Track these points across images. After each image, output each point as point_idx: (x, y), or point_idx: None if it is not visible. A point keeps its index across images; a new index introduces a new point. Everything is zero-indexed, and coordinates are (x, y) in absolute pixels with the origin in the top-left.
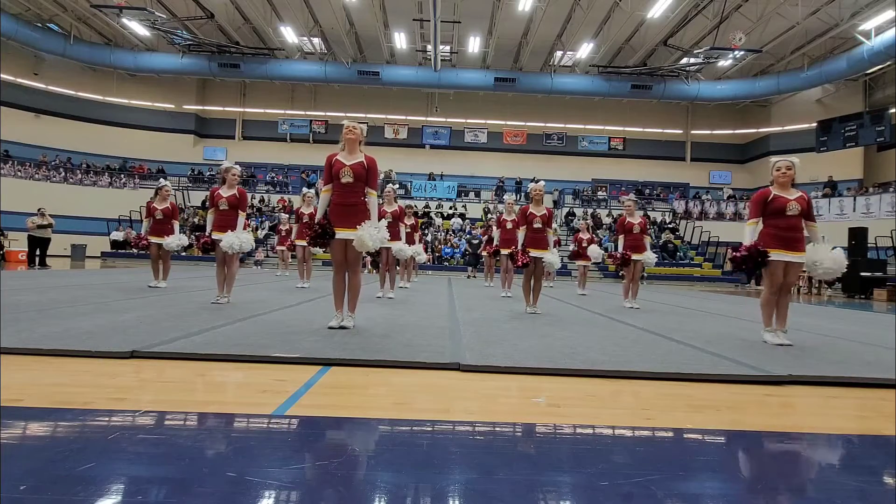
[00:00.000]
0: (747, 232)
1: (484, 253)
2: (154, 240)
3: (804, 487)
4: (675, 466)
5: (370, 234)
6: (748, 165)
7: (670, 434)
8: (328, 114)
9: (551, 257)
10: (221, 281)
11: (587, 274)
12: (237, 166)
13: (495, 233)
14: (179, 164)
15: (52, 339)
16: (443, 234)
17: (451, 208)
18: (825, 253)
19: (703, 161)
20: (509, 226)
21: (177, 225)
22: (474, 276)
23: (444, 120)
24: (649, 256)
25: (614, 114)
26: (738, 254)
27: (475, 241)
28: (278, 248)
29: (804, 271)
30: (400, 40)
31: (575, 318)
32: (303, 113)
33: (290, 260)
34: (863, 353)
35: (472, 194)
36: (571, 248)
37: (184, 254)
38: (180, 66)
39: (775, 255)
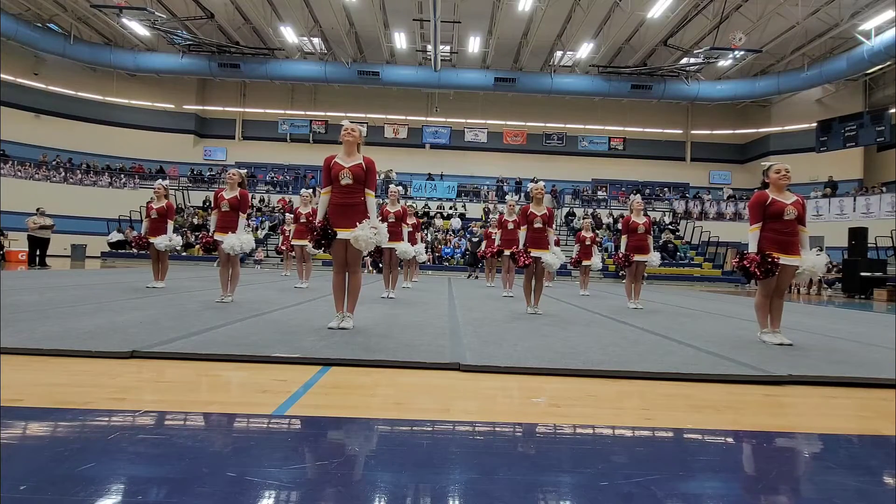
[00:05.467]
0: (751, 238)
1: (483, 254)
2: (152, 239)
3: (804, 487)
4: (675, 466)
5: (367, 234)
6: (748, 165)
7: (670, 434)
8: (328, 114)
9: (551, 258)
10: (225, 281)
11: (589, 274)
12: (236, 168)
13: (496, 233)
14: (179, 163)
15: (52, 339)
16: (442, 233)
17: (451, 208)
18: (815, 258)
19: (703, 161)
20: (510, 226)
21: (170, 224)
22: (476, 277)
23: (444, 120)
24: (653, 258)
25: (614, 114)
26: (745, 262)
27: (475, 240)
28: (282, 248)
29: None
30: (400, 40)
31: (575, 318)
32: (303, 113)
33: (291, 260)
34: (863, 353)
35: (472, 194)
36: (575, 248)
37: (184, 254)
38: (180, 66)
39: None
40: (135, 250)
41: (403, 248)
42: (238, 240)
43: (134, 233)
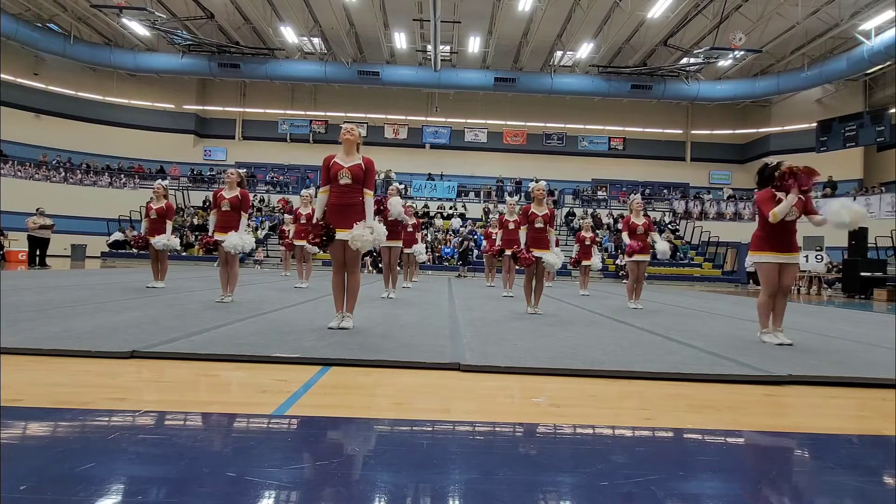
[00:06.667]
0: (783, 205)
1: (486, 253)
2: (151, 240)
3: (804, 487)
4: (675, 466)
5: (363, 234)
6: (748, 165)
7: (670, 434)
8: (328, 114)
9: (551, 258)
10: (225, 281)
11: (589, 274)
12: (235, 168)
13: (496, 233)
14: (179, 163)
15: (52, 339)
16: (443, 233)
17: (451, 208)
18: (839, 206)
19: (703, 161)
20: (511, 226)
21: (169, 225)
22: (473, 277)
23: (444, 120)
24: (663, 246)
25: (614, 114)
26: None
27: (458, 239)
28: (287, 241)
29: (803, 272)
30: (400, 40)
31: (576, 318)
32: (303, 113)
33: (291, 260)
34: (863, 353)
35: (472, 194)
36: (575, 248)
37: (184, 254)
38: (180, 66)
39: (769, 258)
40: (135, 250)
41: (419, 248)
42: (240, 239)
43: (134, 232)
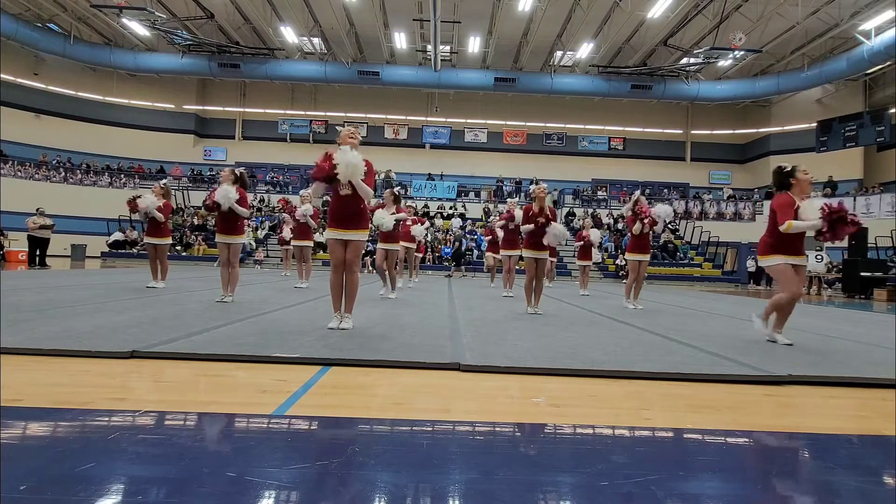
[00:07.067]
0: (801, 224)
1: (489, 253)
2: (149, 240)
3: (804, 487)
4: (675, 466)
5: (347, 157)
6: (748, 165)
7: (670, 434)
8: (328, 114)
9: (558, 228)
10: (225, 281)
11: (589, 274)
12: (230, 167)
13: (499, 233)
14: (179, 163)
15: (52, 339)
16: (442, 233)
17: (451, 208)
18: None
19: (703, 161)
20: (511, 226)
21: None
22: (473, 277)
23: (444, 120)
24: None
25: (614, 114)
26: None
27: (451, 240)
28: (282, 248)
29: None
30: (400, 40)
31: (576, 318)
32: (303, 113)
33: (291, 260)
34: (863, 353)
35: (472, 194)
36: (577, 245)
37: (184, 254)
38: (180, 66)
39: (784, 260)
40: (134, 250)
41: (418, 230)
42: (226, 192)
43: (135, 233)
